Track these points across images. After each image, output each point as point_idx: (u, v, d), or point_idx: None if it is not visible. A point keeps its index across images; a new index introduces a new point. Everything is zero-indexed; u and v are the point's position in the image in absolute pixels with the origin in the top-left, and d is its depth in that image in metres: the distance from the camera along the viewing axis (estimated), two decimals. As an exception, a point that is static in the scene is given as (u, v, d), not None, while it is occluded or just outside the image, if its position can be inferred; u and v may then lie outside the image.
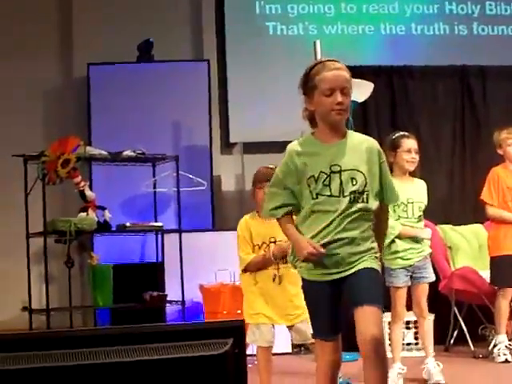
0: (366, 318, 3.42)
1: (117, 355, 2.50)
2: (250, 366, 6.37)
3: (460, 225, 7.25)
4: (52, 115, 8.52)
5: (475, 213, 7.25)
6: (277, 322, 4.84)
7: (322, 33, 8.97)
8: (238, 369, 2.65)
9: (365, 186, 3.55)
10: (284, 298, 4.79)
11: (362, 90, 6.89)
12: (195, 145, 8.36)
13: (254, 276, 4.85)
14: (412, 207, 5.54)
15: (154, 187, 7.65)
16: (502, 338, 6.35)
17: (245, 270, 4.90)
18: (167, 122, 8.29)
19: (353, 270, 3.53)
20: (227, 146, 8.82)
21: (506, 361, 6.26)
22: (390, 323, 5.74)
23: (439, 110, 7.80)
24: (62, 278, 7.62)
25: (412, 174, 5.63)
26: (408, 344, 6.89)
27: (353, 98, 6.68)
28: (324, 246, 3.51)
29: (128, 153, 7.10)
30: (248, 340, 4.72)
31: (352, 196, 3.52)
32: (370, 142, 3.67)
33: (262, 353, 4.81)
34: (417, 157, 5.58)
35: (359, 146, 3.61)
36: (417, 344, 6.83)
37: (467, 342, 6.81)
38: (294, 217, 3.67)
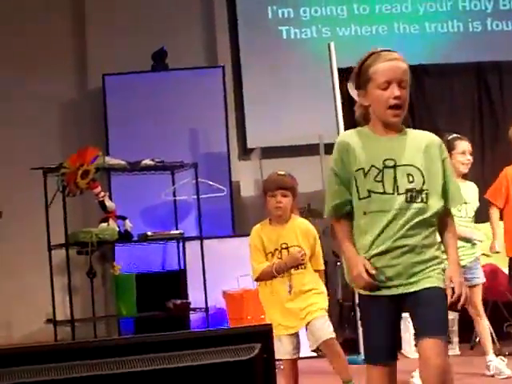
0: (430, 349, 3.12)
1: (143, 364, 2.49)
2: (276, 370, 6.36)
3: (481, 222, 7.21)
4: (69, 127, 8.55)
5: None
6: (296, 328, 4.76)
7: (335, 35, 8.97)
8: (267, 374, 2.63)
9: (423, 183, 3.18)
10: (299, 303, 4.74)
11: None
12: (213, 151, 8.36)
13: (269, 287, 4.80)
14: (466, 208, 5.55)
15: (174, 195, 7.66)
16: None
17: (258, 279, 4.87)
18: (184, 129, 8.31)
19: (417, 288, 3.18)
20: (245, 152, 8.82)
21: None
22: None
23: (456, 108, 7.77)
24: (85, 288, 7.64)
25: (463, 177, 5.62)
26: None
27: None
28: (381, 254, 3.18)
29: (147, 162, 7.10)
30: None
31: (409, 194, 3.17)
32: (432, 138, 3.31)
33: (286, 363, 4.78)
34: (471, 158, 5.58)
35: (419, 141, 3.26)
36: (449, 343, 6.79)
37: (493, 339, 6.76)
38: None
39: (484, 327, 5.60)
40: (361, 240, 3.23)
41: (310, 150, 8.32)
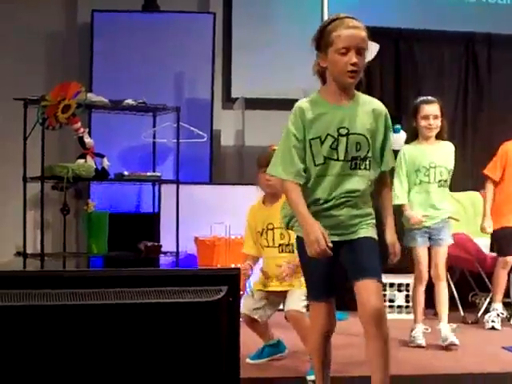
0: (368, 290, 3.40)
1: (111, 297, 2.51)
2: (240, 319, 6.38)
3: (458, 191, 7.25)
4: (55, 60, 8.46)
5: (474, 180, 7.26)
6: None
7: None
8: (231, 317, 2.66)
9: (367, 151, 3.49)
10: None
11: (367, 51, 6.85)
12: (197, 98, 8.31)
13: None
14: (434, 171, 5.56)
15: (154, 137, 7.63)
16: (496, 306, 6.45)
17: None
18: (170, 73, 8.24)
19: (353, 236, 3.51)
20: (229, 101, 8.78)
21: (493, 328, 6.36)
22: (413, 284, 5.84)
23: (443, 76, 7.77)
24: (58, 224, 7.63)
25: (439, 137, 5.66)
26: (399, 306, 6.93)
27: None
28: (325, 206, 3.48)
29: (129, 101, 7.05)
30: None
31: (354, 162, 3.47)
32: (379, 106, 3.57)
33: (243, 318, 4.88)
34: (435, 122, 5.58)
35: (368, 109, 3.51)
36: (407, 307, 6.87)
37: (457, 307, 6.84)
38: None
39: (442, 293, 5.61)
40: (310, 197, 3.48)
41: (292, 104, 8.29)
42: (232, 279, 2.69)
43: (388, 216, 3.60)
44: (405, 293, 6.92)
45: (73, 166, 6.71)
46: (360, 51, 3.38)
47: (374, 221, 3.57)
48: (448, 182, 5.65)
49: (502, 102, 7.64)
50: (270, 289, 4.85)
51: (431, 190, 5.58)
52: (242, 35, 8.75)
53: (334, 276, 3.60)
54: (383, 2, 8.91)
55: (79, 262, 8.00)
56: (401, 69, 7.70)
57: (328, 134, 3.42)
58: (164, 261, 7.18)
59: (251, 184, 7.39)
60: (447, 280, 6.83)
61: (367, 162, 3.49)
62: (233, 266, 6.52)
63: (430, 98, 5.69)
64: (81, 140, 6.87)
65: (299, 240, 3.57)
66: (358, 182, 3.48)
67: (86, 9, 8.33)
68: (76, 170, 6.71)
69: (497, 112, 7.60)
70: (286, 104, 8.18)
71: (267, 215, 4.81)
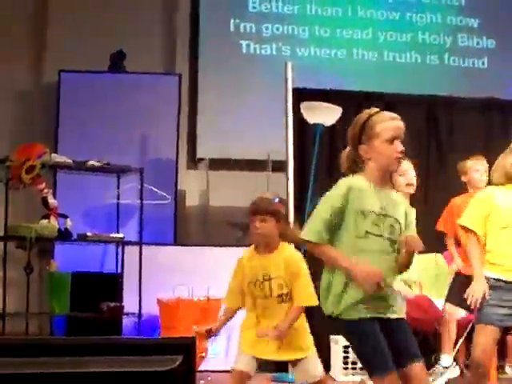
0: (423, 375, 3.60)
1: (67, 366, 2.50)
2: (202, 382, 6.37)
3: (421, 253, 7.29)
4: (20, 119, 8.49)
5: (437, 241, 7.31)
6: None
7: (294, 54, 9.05)
8: (187, 386, 2.66)
9: (398, 235, 3.68)
10: None
11: (330, 114, 6.96)
12: (162, 158, 8.36)
13: None
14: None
15: (118, 198, 7.64)
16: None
17: None
18: (136, 133, 8.30)
19: (396, 316, 3.66)
20: (193, 161, 8.83)
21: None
22: None
23: (406, 138, 7.81)
24: (21, 284, 7.57)
25: None
26: (362, 368, 6.92)
27: (321, 122, 6.86)
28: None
29: (93, 162, 7.08)
30: None
31: (388, 242, 3.65)
32: (406, 201, 3.91)
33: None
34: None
35: (400, 199, 3.80)
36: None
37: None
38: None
39: None
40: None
41: (258, 165, 8.38)
42: (188, 348, 2.69)
43: None
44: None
45: (36, 227, 6.71)
46: (401, 140, 3.67)
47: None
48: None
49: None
50: (265, 356, 4.50)
51: None
52: (207, 96, 8.85)
53: None
54: (346, 67, 9.07)
55: (42, 322, 7.94)
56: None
57: (371, 211, 3.64)
58: (126, 322, 7.14)
59: (216, 245, 7.48)
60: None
61: (396, 246, 3.70)
62: (195, 327, 6.50)
63: None
64: (44, 200, 6.88)
65: (351, 324, 3.59)
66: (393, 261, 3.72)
67: (52, 69, 8.38)
68: (39, 230, 6.71)
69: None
70: (250, 165, 8.37)
71: (263, 265, 4.48)
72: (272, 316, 4.43)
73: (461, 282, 6.21)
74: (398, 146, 3.61)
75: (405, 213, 3.76)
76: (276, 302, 4.45)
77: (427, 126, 7.91)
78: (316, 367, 4.49)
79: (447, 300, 6.36)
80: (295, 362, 4.51)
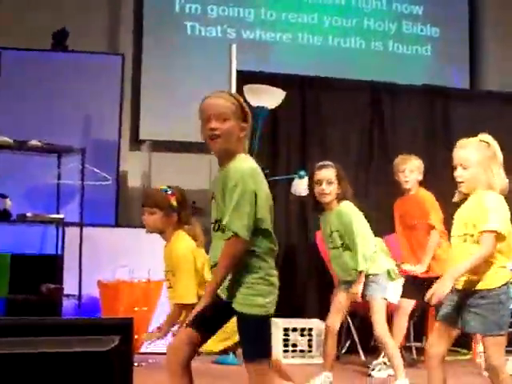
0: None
1: (2, 347, 2.46)
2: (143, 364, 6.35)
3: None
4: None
5: (376, 225, 7.35)
6: None
7: (240, 37, 9.03)
8: (124, 367, 2.64)
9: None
10: None
11: (273, 98, 6.95)
12: (104, 139, 8.29)
13: None
14: (335, 236, 5.57)
15: (59, 179, 7.55)
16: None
17: None
18: (78, 114, 8.20)
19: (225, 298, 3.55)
20: (136, 143, 8.78)
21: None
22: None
23: (348, 123, 7.86)
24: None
25: (328, 205, 5.53)
26: (301, 351, 6.97)
27: (264, 105, 6.84)
28: None
29: (34, 142, 6.97)
30: None
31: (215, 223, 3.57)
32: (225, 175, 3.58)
33: None
34: (327, 187, 5.42)
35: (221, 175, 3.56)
36: (310, 351, 6.92)
37: (358, 352, 6.93)
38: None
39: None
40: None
41: (200, 148, 8.35)
42: (125, 328, 2.67)
43: None
44: (307, 337, 6.96)
45: (-26, 207, 6.60)
46: (220, 116, 3.51)
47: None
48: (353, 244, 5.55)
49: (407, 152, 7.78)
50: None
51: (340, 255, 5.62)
52: (150, 77, 8.79)
53: None
54: (290, 50, 9.08)
55: (-19, 303, 7.84)
56: (306, 115, 7.79)
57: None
58: (67, 304, 7.08)
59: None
60: (348, 325, 6.95)
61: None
62: (136, 309, 6.49)
63: (326, 162, 5.55)
64: (-17, 180, 6.78)
65: (262, 319, 3.45)
66: None
67: (-8, 46, 8.25)
68: (-23, 210, 6.60)
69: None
70: (193, 147, 8.34)
71: (165, 257, 4.69)
72: None
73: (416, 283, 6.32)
74: (210, 124, 3.49)
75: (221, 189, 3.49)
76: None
77: (371, 111, 7.94)
78: None
79: (403, 296, 6.42)
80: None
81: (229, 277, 3.44)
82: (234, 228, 3.37)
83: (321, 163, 5.55)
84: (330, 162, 5.52)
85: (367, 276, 5.49)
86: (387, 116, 7.93)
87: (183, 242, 4.60)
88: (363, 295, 5.49)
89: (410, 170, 6.30)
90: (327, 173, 5.43)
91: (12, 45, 8.11)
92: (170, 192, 4.62)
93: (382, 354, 6.14)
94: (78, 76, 8.17)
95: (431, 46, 9.69)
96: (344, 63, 9.13)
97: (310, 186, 5.65)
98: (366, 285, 5.49)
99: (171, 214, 4.59)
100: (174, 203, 4.60)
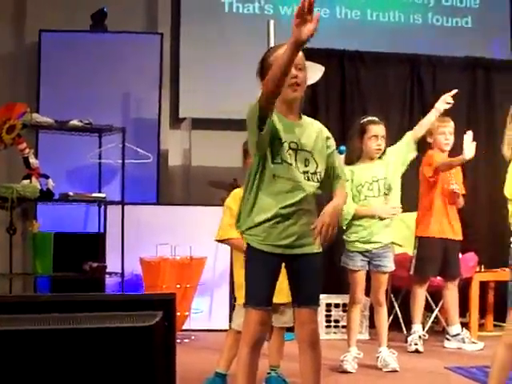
0: (306, 318, 3.59)
1: (51, 322, 2.50)
2: (186, 340, 6.39)
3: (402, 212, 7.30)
4: (2, 80, 8.41)
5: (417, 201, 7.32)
6: None
7: (277, 13, 8.98)
8: (167, 342, 2.66)
9: (316, 167, 3.60)
10: None
11: (312, 73, 6.91)
12: (144, 118, 8.33)
13: None
14: (378, 185, 5.58)
15: (100, 158, 7.61)
16: (416, 328, 6.43)
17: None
18: (117, 93, 8.26)
19: (303, 251, 3.58)
20: (176, 121, 8.80)
21: (417, 351, 6.28)
22: (347, 306, 5.78)
23: (388, 97, 7.82)
24: (4, 245, 7.55)
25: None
26: (344, 327, 6.96)
27: (303, 80, 6.80)
28: (286, 216, 3.54)
29: (75, 122, 7.02)
30: None
31: (305, 175, 3.57)
32: (322, 129, 3.74)
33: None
34: (383, 143, 5.59)
35: (313, 129, 3.67)
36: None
37: (401, 328, 6.92)
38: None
39: (381, 317, 5.61)
40: (271, 197, 3.55)
41: (241, 124, 8.34)
42: (167, 304, 2.69)
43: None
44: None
45: (17, 187, 6.66)
46: (298, 67, 3.56)
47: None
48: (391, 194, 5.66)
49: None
50: None
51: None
52: (189, 56, 8.80)
53: (274, 285, 3.64)
54: (328, 25, 9.00)
55: (26, 282, 7.95)
56: (346, 90, 7.76)
57: (285, 141, 3.57)
58: (109, 281, 7.15)
59: (198, 204, 7.48)
60: (391, 301, 6.92)
61: (318, 177, 3.63)
62: (178, 286, 6.54)
63: (376, 118, 5.70)
64: (26, 160, 6.83)
65: (250, 249, 3.61)
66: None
67: (33, 29, 8.31)
68: (21, 190, 6.66)
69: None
70: (233, 124, 8.33)
71: None
72: None
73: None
74: (292, 72, 3.46)
75: (318, 144, 3.67)
76: None
77: (411, 84, 7.89)
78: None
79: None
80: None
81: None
82: (344, 175, 3.75)
83: (370, 118, 5.70)
84: (379, 119, 5.69)
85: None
86: (428, 89, 7.87)
87: None
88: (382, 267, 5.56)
89: (450, 132, 6.53)
90: (382, 128, 5.62)
91: (51, 27, 8.17)
92: None
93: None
94: (117, 56, 8.22)
95: (471, 18, 9.57)
96: (383, 37, 9.05)
97: (360, 138, 5.64)
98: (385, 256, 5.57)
99: None
100: None
